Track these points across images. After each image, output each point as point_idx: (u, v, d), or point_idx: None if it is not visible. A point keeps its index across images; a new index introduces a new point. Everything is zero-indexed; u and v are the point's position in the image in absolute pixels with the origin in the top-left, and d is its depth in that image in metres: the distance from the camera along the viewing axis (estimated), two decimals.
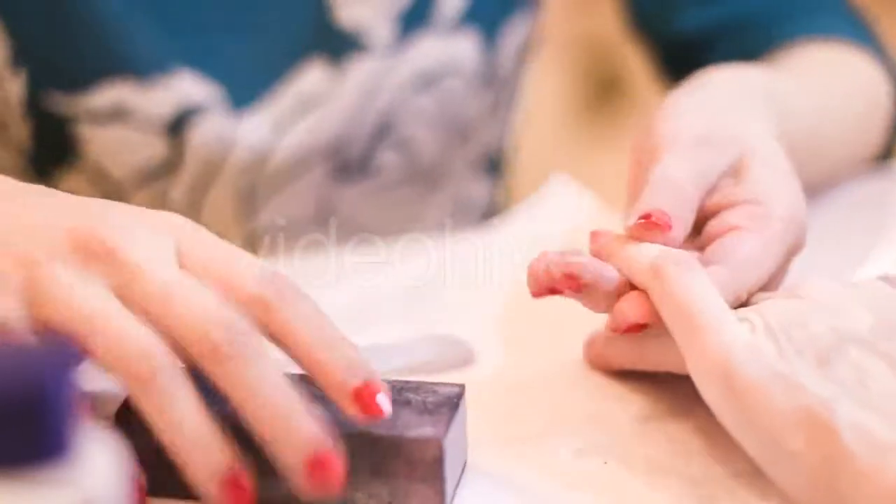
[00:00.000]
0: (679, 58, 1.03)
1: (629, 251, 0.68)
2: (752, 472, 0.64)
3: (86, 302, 0.58)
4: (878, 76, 0.94)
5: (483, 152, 1.06)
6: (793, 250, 0.71)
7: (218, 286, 0.61)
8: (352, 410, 0.61)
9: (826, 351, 0.62)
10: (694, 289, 0.64)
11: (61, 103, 0.91)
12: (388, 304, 0.72)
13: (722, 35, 1.00)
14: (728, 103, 0.76)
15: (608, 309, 0.68)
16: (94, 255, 0.61)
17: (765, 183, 0.72)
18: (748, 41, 0.98)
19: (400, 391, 0.65)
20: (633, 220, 0.69)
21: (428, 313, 0.78)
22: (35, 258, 0.60)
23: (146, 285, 0.60)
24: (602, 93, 2.25)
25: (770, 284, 0.70)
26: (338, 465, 0.58)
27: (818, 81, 0.88)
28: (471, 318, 0.79)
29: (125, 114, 0.91)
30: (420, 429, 0.62)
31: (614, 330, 0.68)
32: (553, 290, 0.68)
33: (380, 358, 0.67)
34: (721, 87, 0.78)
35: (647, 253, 0.67)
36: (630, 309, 0.67)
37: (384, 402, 0.61)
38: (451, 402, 0.64)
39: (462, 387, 0.65)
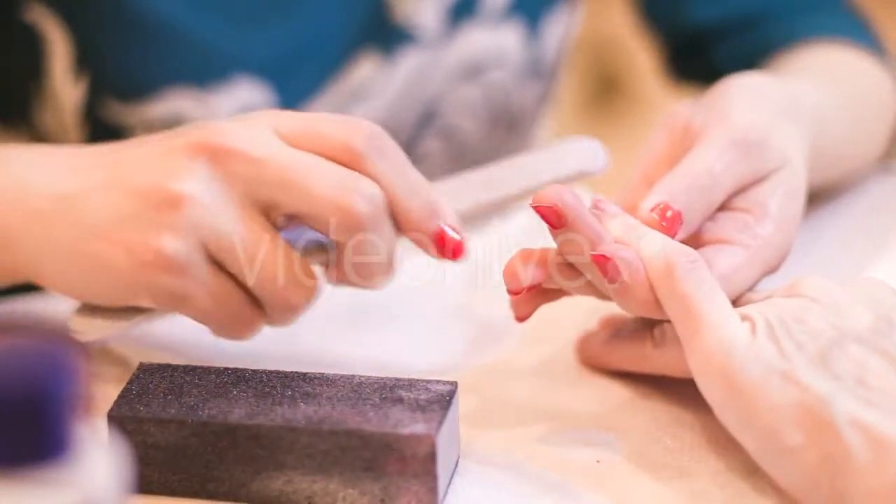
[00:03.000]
0: (688, 52, 1.03)
1: (642, 243, 0.67)
2: (744, 468, 0.65)
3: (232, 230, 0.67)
4: (882, 77, 0.95)
5: (530, 142, 1.07)
6: (768, 271, 0.72)
7: (314, 144, 0.68)
8: (433, 252, 0.69)
9: (826, 347, 0.62)
10: (701, 287, 0.65)
11: (119, 113, 0.91)
12: (388, 304, 0.73)
13: (731, 31, 1.00)
14: (781, 113, 0.76)
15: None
16: (218, 156, 0.67)
17: (769, 200, 0.72)
18: (756, 38, 0.98)
19: (392, 388, 0.65)
20: (651, 202, 0.70)
21: (427, 313, 0.78)
22: (168, 187, 0.67)
23: (272, 173, 0.67)
24: (602, 92, 2.25)
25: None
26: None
27: (836, 87, 0.88)
28: (469, 317, 0.79)
29: (183, 124, 0.90)
30: (412, 426, 0.62)
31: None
32: (532, 288, 0.69)
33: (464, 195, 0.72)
34: (772, 93, 0.78)
35: (660, 247, 0.67)
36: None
37: (462, 242, 0.69)
38: (444, 400, 0.64)
39: (454, 384, 0.66)
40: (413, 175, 0.69)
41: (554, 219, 0.67)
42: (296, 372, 0.67)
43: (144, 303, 0.69)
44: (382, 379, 0.66)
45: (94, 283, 0.69)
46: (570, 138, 0.72)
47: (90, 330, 0.71)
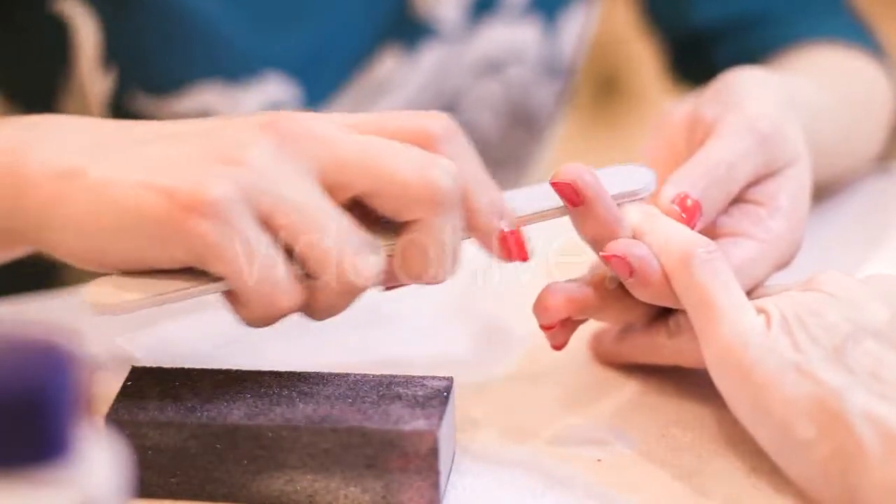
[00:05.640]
0: (689, 52, 1.04)
1: (660, 232, 0.68)
2: (750, 467, 0.65)
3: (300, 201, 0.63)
4: (880, 78, 0.95)
5: (547, 140, 1.08)
6: (780, 265, 0.72)
7: (387, 131, 0.65)
8: (497, 252, 0.67)
9: (841, 341, 0.62)
10: (718, 278, 0.65)
11: (146, 106, 0.90)
12: (389, 305, 0.73)
13: (732, 32, 1.00)
14: (785, 107, 0.76)
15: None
16: (289, 136, 0.64)
17: (782, 195, 0.72)
18: (756, 39, 0.98)
19: (389, 385, 0.65)
20: (670, 193, 0.70)
21: (425, 312, 0.78)
22: (230, 149, 0.63)
23: (345, 152, 0.64)
24: (603, 91, 2.25)
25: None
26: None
27: (831, 86, 0.89)
28: (469, 316, 0.79)
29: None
30: (414, 422, 0.62)
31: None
32: (565, 321, 0.69)
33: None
34: (776, 86, 0.78)
35: (677, 236, 0.67)
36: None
37: (527, 243, 0.67)
38: (441, 395, 0.64)
39: (450, 379, 0.66)
40: (483, 170, 0.67)
41: (572, 195, 0.67)
42: (290, 371, 0.66)
43: (177, 255, 0.62)
44: (378, 377, 0.66)
45: (118, 235, 0.63)
46: (622, 163, 0.72)
47: (107, 300, 0.64)
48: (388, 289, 0.68)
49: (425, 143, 0.65)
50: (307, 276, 0.64)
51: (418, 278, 0.66)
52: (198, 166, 0.62)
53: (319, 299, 0.65)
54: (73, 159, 0.64)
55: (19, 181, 0.64)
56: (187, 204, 0.61)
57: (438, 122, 0.66)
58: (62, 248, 0.65)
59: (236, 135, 0.64)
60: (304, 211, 0.63)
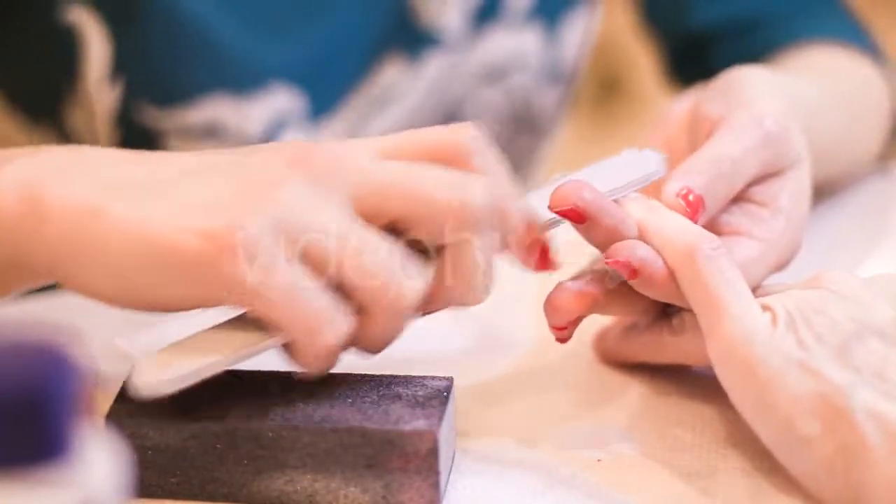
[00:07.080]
0: (688, 54, 1.04)
1: (665, 227, 0.67)
2: (751, 467, 0.65)
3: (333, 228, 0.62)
4: (876, 79, 0.95)
5: (549, 145, 1.08)
6: (779, 266, 0.72)
7: (418, 151, 0.65)
8: (528, 262, 0.67)
9: (846, 340, 0.62)
10: (723, 274, 0.65)
11: (154, 118, 0.90)
12: None
13: (730, 33, 1.01)
14: (792, 108, 0.76)
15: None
16: (320, 169, 0.63)
17: (783, 195, 0.72)
18: (755, 40, 0.99)
19: (389, 385, 0.65)
20: (675, 187, 0.69)
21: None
22: (262, 187, 0.62)
23: (378, 179, 0.63)
24: (603, 93, 2.25)
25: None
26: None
27: (828, 86, 0.89)
28: (470, 316, 0.79)
29: (219, 131, 0.90)
30: (414, 422, 0.62)
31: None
32: (576, 320, 0.69)
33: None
34: (777, 85, 0.78)
35: (682, 232, 0.67)
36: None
37: (556, 255, 0.67)
38: (441, 395, 0.64)
39: (450, 379, 0.66)
40: (511, 181, 0.66)
41: (576, 217, 0.67)
42: (290, 371, 0.66)
43: (215, 296, 0.61)
44: (378, 376, 0.66)
45: (152, 276, 0.62)
46: (628, 149, 0.72)
47: (159, 378, 0.62)
48: (424, 314, 0.66)
49: (456, 158, 0.65)
50: (356, 311, 0.63)
51: (459, 300, 0.65)
52: (231, 205, 0.61)
53: (369, 331, 0.64)
54: (95, 197, 0.62)
55: (36, 215, 0.63)
56: (223, 244, 0.60)
57: (468, 137, 0.66)
58: (87, 286, 0.64)
59: (267, 172, 0.63)
60: (345, 241, 0.62)
